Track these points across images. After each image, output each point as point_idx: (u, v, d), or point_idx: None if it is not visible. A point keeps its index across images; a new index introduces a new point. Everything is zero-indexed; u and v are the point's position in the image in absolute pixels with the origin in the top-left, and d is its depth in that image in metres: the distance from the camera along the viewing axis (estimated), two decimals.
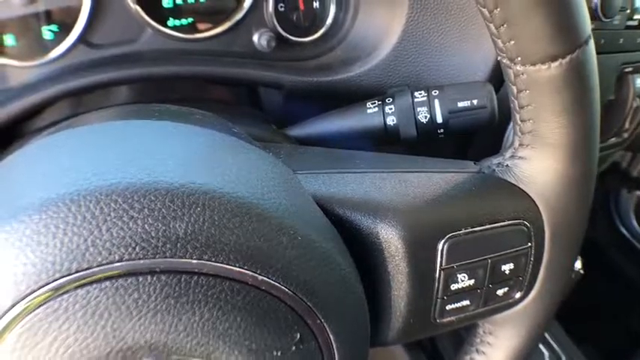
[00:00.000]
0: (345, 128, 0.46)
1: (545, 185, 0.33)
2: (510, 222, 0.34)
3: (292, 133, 0.47)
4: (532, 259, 0.35)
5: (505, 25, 0.27)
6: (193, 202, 0.24)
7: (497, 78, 0.50)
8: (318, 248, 0.27)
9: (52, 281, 0.22)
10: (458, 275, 0.33)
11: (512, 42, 0.28)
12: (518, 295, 0.37)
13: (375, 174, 0.34)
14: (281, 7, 0.52)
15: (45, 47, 0.45)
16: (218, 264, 0.24)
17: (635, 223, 0.96)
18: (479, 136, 0.54)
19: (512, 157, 0.34)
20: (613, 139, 0.63)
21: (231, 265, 0.24)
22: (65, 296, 0.22)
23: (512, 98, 0.31)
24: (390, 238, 0.31)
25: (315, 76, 0.52)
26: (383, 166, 0.35)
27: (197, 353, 0.25)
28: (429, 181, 0.34)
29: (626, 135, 0.64)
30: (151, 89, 0.50)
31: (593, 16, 0.49)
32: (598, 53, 0.54)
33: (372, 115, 0.45)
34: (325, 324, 0.27)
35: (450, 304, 0.34)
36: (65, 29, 0.45)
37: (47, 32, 0.45)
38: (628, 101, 0.59)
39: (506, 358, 0.40)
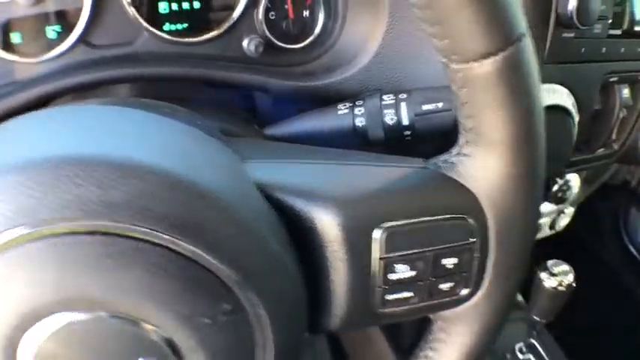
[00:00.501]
0: (317, 128, 0.48)
1: (488, 182, 0.34)
2: (451, 216, 0.35)
3: (268, 132, 0.50)
4: (477, 255, 0.36)
5: (438, 25, 0.29)
6: (130, 174, 0.26)
7: None
8: (252, 228, 0.29)
9: (5, 235, 0.25)
10: (398, 265, 0.34)
11: (446, 41, 0.29)
12: (465, 291, 0.37)
13: (322, 165, 0.36)
14: (272, 15, 0.56)
15: (48, 45, 0.49)
16: (149, 230, 0.26)
17: None
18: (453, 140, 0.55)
19: (457, 154, 0.35)
20: (601, 151, 0.63)
21: (161, 233, 0.26)
22: (16, 249, 0.25)
23: (454, 96, 0.33)
24: (329, 225, 0.33)
25: (300, 80, 0.54)
26: (334, 159, 0.37)
27: (131, 312, 0.27)
28: (371, 172, 0.36)
29: (616, 147, 0.64)
30: (150, 88, 0.54)
31: (570, 24, 0.50)
32: (580, 62, 0.55)
33: (342, 116, 0.47)
34: (256, 298, 0.29)
35: (391, 294, 0.35)
36: (67, 29, 0.49)
37: (51, 32, 0.49)
38: (614, 112, 0.59)
39: (458, 355, 0.40)
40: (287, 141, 0.49)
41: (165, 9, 0.52)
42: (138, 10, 0.51)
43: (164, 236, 0.27)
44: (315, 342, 0.90)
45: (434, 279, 0.35)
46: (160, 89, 0.54)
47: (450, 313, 0.39)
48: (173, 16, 0.53)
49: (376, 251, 0.33)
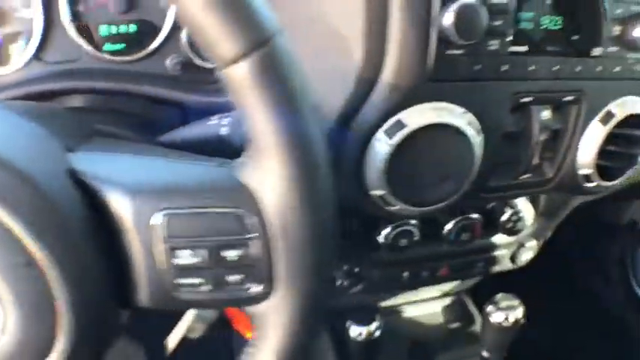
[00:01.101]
0: (192, 136, 0.53)
1: (265, 182, 0.35)
2: (228, 210, 0.37)
3: (161, 139, 0.56)
4: (261, 252, 0.37)
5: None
6: None
7: (358, 94, 0.52)
8: (50, 197, 0.34)
9: None
10: (181, 251, 0.37)
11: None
12: (257, 287, 0.38)
13: (134, 159, 0.40)
14: None
15: (12, 61, 0.61)
16: None
17: None
18: None
19: (244, 155, 0.37)
20: (528, 177, 0.58)
21: None
22: None
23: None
24: (121, 208, 0.37)
25: (212, 96, 0.60)
26: (157, 155, 0.41)
27: None
28: (170, 166, 0.39)
29: (550, 174, 0.58)
30: (100, 100, 0.64)
31: (449, 41, 0.48)
32: (475, 80, 0.53)
33: (211, 125, 0.51)
34: (47, 253, 0.34)
35: (181, 279, 0.38)
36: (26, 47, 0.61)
37: (13, 49, 0.61)
38: (532, 135, 0.54)
39: (273, 353, 0.41)
40: (172, 147, 0.54)
41: (105, 32, 0.62)
42: (80, 33, 0.61)
43: None
44: None
45: (218, 269, 0.37)
46: (108, 101, 0.64)
47: (257, 310, 0.40)
48: (112, 38, 0.63)
49: (159, 235, 0.37)
